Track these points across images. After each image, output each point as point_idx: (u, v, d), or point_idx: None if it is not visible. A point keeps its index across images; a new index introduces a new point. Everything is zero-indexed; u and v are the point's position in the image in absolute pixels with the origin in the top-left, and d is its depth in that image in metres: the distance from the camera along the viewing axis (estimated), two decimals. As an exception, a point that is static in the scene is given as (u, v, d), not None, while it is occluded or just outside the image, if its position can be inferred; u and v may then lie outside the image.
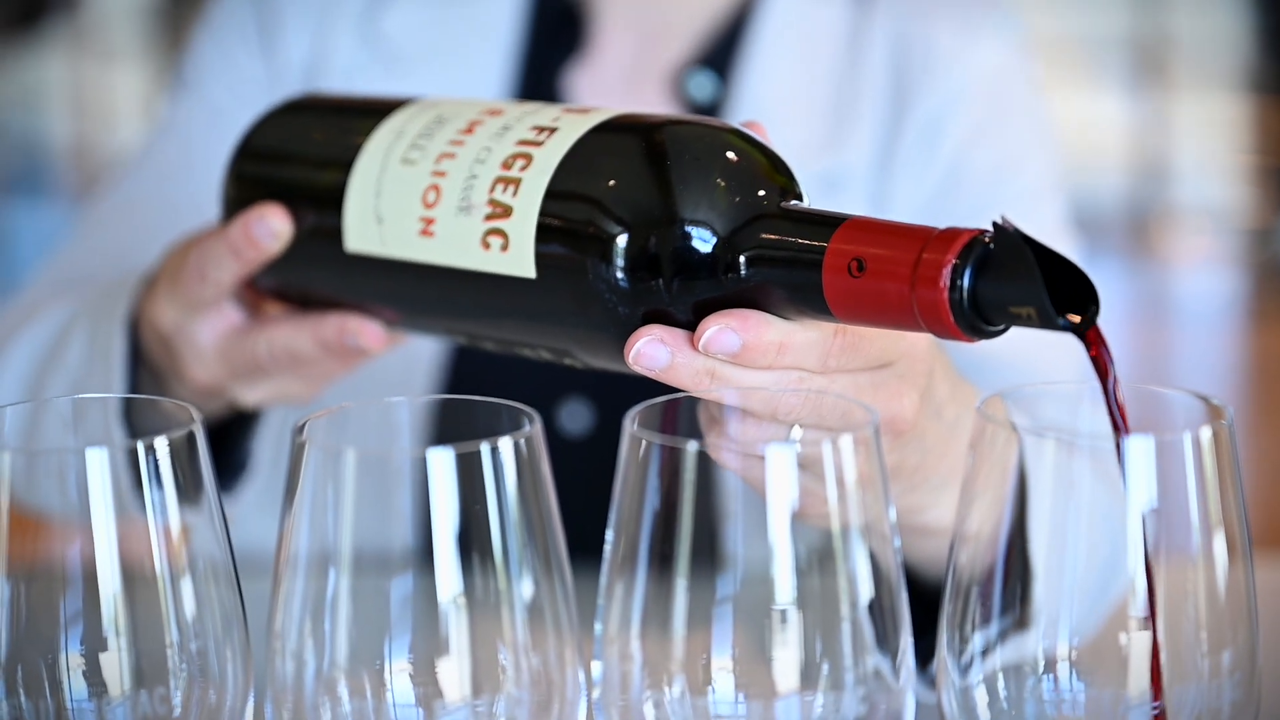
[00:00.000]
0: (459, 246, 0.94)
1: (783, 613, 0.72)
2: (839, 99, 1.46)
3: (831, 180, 1.43)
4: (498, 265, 0.92)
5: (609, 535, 0.75)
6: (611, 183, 0.89)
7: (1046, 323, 0.79)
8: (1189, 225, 5.31)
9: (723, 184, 0.88)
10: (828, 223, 0.85)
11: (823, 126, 1.45)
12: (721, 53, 1.47)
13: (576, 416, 1.46)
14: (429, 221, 0.95)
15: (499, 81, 1.46)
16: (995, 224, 0.79)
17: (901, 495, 0.97)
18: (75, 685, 0.75)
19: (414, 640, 0.74)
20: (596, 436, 1.45)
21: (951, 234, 0.80)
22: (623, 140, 0.91)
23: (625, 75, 1.48)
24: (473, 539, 0.73)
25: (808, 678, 0.73)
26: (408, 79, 1.45)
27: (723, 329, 0.86)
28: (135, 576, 0.75)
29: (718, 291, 0.87)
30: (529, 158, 0.92)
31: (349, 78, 1.46)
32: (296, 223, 1.03)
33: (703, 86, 1.47)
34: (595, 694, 0.76)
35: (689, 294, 0.87)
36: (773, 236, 0.86)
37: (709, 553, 0.72)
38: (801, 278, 0.85)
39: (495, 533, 0.73)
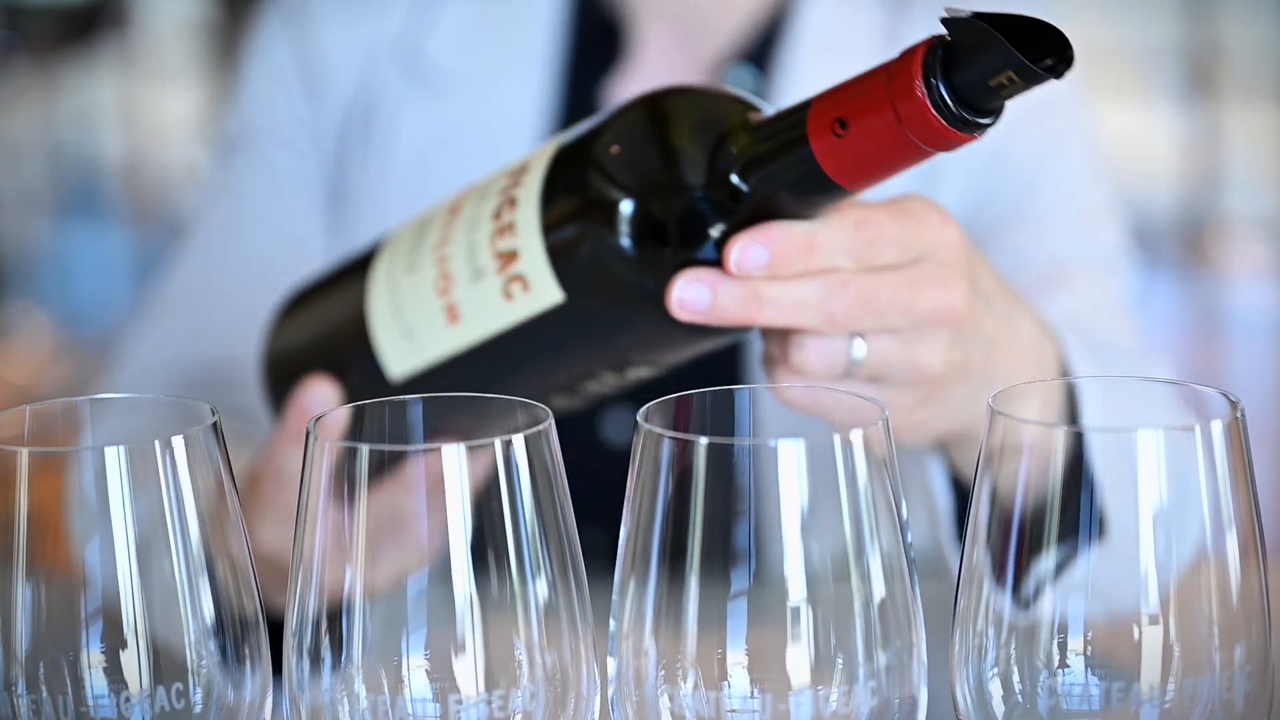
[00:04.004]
0: (486, 312, 0.96)
1: (795, 608, 0.72)
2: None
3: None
4: (528, 308, 0.94)
5: (622, 532, 0.75)
6: (594, 181, 0.92)
7: (1028, 77, 0.80)
8: (1242, 236, 5.28)
9: (685, 130, 0.91)
10: (797, 107, 0.88)
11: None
12: (761, 49, 1.47)
13: (620, 425, 1.46)
14: (451, 307, 0.97)
15: (540, 96, 1.46)
16: (942, 19, 0.81)
17: (974, 397, 0.97)
18: (96, 682, 0.75)
19: (429, 638, 0.74)
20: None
21: (909, 51, 0.83)
22: (586, 145, 0.94)
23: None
24: (487, 535, 0.74)
25: (821, 672, 0.73)
26: (450, 101, 1.46)
27: (747, 244, 0.88)
28: (155, 574, 0.75)
29: (729, 222, 0.89)
30: (514, 200, 0.94)
31: (393, 106, 1.46)
32: (342, 381, 1.06)
33: (742, 79, 1.47)
34: (610, 690, 0.76)
35: (704, 239, 0.89)
36: (752, 141, 0.89)
37: (721, 547, 0.72)
38: (796, 162, 0.87)
39: (509, 529, 0.74)
